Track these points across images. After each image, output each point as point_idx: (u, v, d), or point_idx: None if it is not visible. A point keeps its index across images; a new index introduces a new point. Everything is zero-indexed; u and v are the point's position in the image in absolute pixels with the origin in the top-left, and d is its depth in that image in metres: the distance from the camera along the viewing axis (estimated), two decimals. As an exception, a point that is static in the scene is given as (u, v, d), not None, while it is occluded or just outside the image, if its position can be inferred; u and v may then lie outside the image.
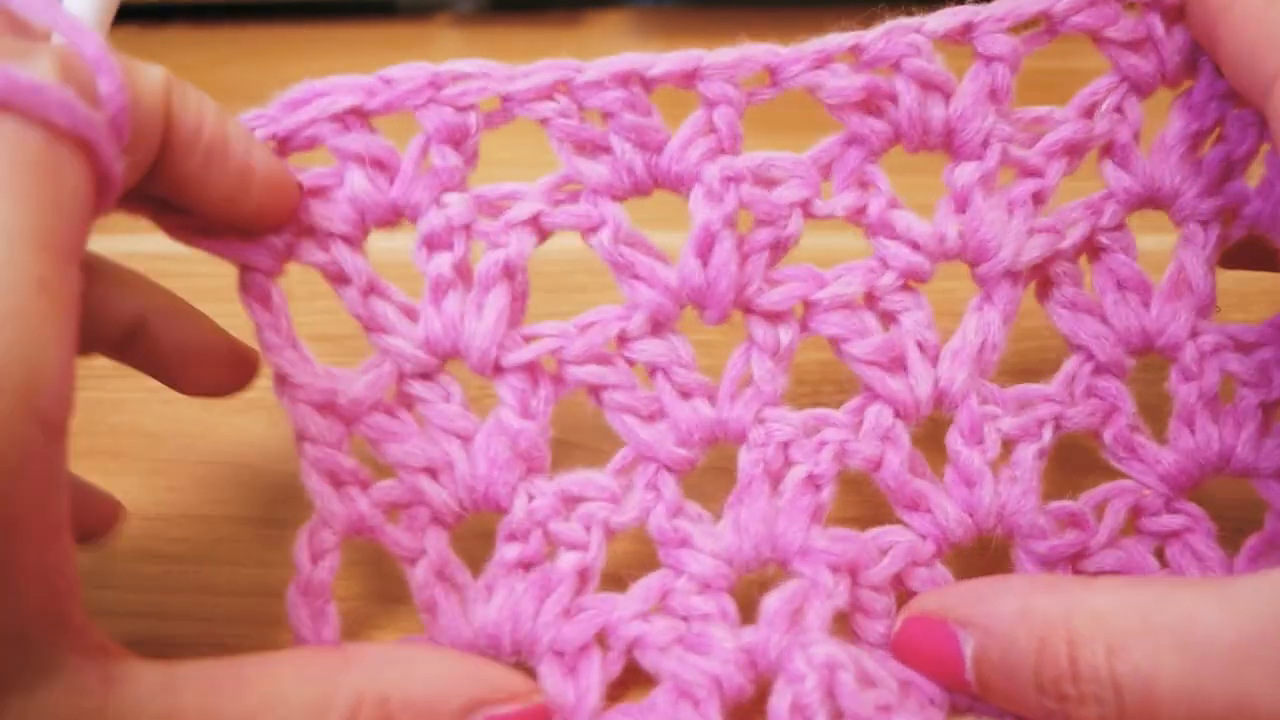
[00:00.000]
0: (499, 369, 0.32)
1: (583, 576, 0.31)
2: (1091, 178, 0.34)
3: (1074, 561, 0.32)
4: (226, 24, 0.63)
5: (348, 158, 0.31)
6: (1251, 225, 0.34)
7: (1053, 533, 0.32)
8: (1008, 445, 0.33)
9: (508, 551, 0.32)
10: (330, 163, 0.31)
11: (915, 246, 0.33)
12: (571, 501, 0.32)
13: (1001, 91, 0.32)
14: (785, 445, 0.33)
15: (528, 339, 0.32)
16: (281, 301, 0.31)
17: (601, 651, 0.30)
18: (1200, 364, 0.34)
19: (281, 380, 0.30)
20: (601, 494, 0.32)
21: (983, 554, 0.33)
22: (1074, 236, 0.33)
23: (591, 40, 0.65)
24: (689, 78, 0.31)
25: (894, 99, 0.32)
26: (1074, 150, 0.33)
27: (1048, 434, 0.33)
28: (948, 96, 0.32)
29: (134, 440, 0.40)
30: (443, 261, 0.31)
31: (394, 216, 0.31)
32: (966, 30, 0.32)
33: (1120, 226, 0.34)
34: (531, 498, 0.32)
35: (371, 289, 0.31)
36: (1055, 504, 0.32)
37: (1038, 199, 0.33)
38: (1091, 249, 0.34)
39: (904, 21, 0.32)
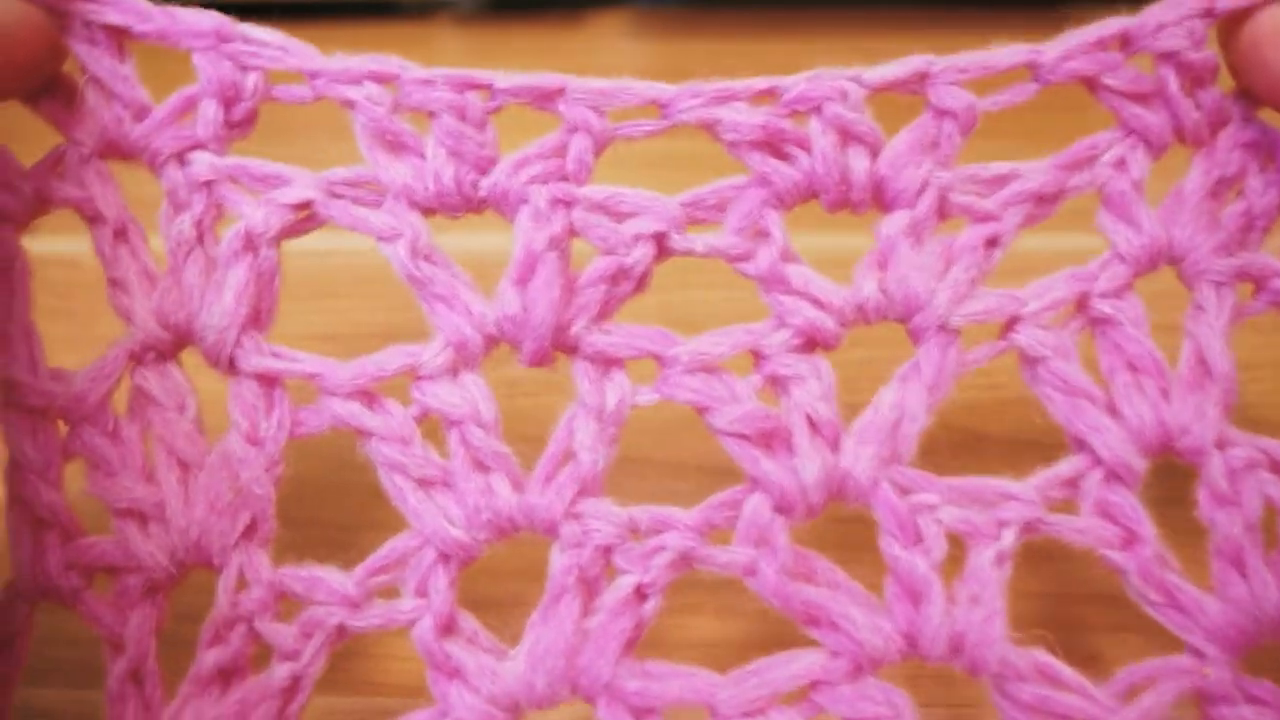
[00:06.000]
0: (233, 367, 0.27)
1: (289, 692, 0.26)
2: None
3: None
4: (227, 24, 0.63)
5: (90, 77, 0.28)
6: None
7: (1031, 678, 0.26)
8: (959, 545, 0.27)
9: (205, 660, 0.26)
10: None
11: (818, 303, 0.28)
12: (291, 598, 0.27)
13: (945, 145, 0.28)
14: (605, 550, 0.27)
15: (277, 356, 0.27)
16: (23, 276, 0.27)
17: None
18: (1234, 484, 0.27)
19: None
20: (332, 598, 0.26)
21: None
22: (1043, 302, 0.28)
23: (591, 41, 0.65)
24: (548, 98, 0.27)
25: (806, 146, 0.27)
26: (1041, 200, 0.29)
27: (1009, 537, 0.27)
28: (874, 150, 0.28)
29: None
30: (183, 221, 0.27)
31: (131, 155, 0.28)
32: (920, 80, 0.28)
33: (1124, 291, 0.29)
34: (243, 583, 0.26)
35: (122, 234, 0.28)
36: (1039, 656, 0.26)
37: (990, 244, 0.28)
38: (1090, 320, 0.29)
39: (837, 70, 0.27)
